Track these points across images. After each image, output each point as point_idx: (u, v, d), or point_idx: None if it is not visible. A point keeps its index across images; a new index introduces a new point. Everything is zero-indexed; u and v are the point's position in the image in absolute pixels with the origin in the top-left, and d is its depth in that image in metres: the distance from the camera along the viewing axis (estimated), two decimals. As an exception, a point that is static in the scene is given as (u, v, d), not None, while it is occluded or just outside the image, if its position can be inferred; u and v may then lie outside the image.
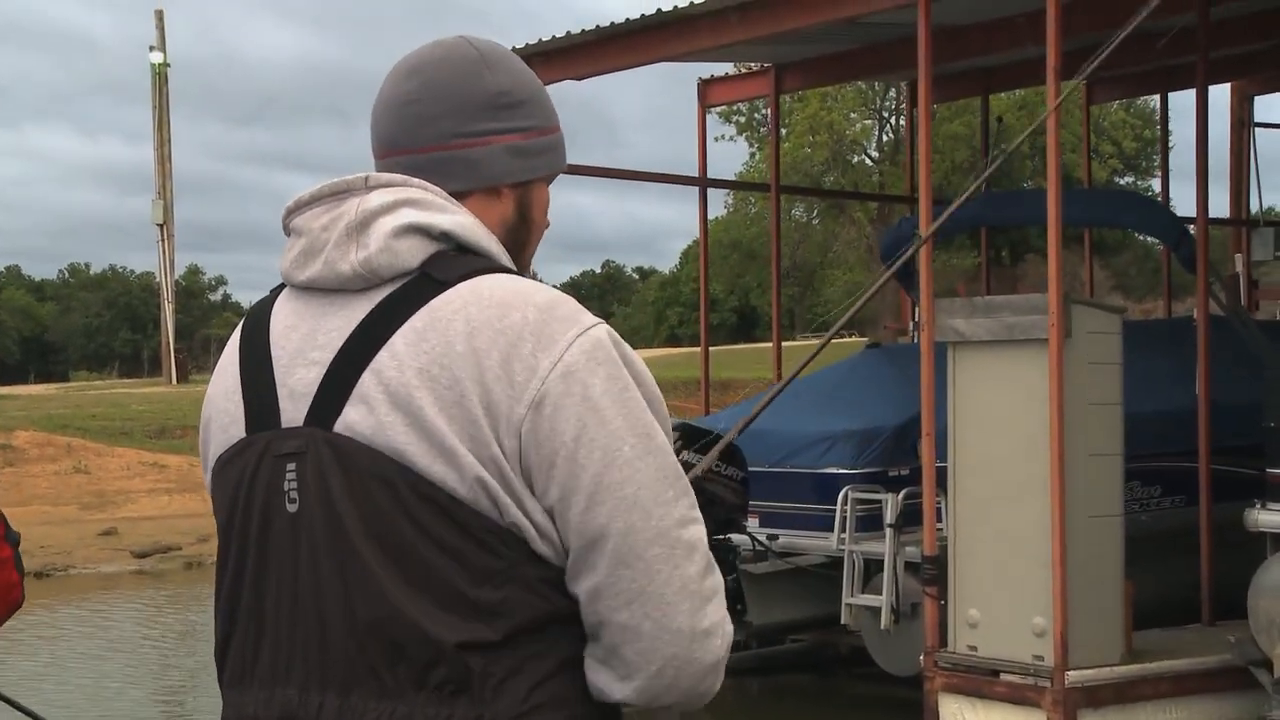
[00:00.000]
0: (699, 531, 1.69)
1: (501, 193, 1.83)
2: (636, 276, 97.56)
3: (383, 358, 1.66)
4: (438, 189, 1.77)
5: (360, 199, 1.74)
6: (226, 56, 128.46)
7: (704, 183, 14.02)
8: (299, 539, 1.68)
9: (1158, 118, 50.24)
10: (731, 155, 52.11)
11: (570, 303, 1.70)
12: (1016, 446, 8.89)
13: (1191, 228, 11.24)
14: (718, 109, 48.57)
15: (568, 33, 11.21)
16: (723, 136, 46.77)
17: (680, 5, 10.52)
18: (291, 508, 1.68)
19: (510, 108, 1.82)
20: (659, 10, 10.67)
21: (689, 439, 6.97)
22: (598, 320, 1.70)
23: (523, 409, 1.62)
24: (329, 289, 1.74)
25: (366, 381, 1.66)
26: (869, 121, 46.22)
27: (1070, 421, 8.62)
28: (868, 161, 46.34)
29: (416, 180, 1.76)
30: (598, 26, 11.05)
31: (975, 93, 15.44)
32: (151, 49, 40.20)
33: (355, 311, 1.71)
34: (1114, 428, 8.89)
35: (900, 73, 14.93)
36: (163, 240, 39.53)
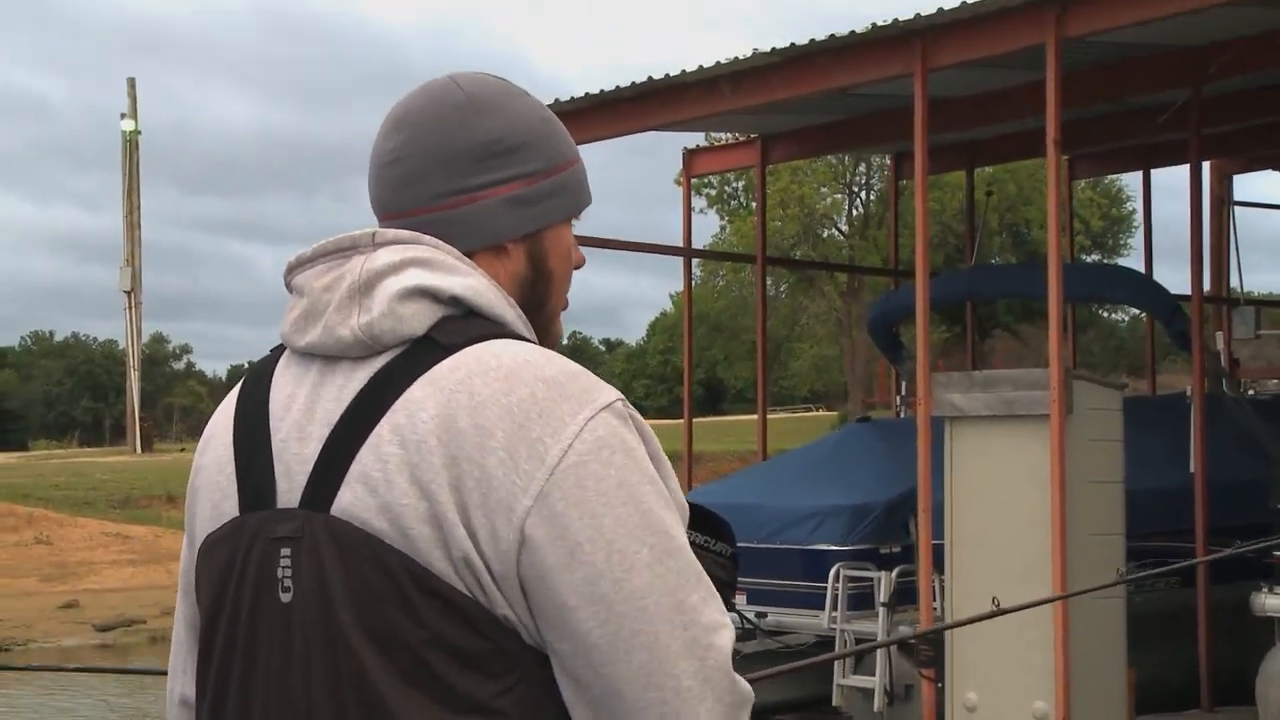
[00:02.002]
0: (729, 638, 1.52)
1: (507, 248, 1.66)
2: (603, 348, 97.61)
3: (381, 432, 1.50)
4: (450, 247, 1.61)
5: (366, 257, 1.59)
6: (183, 125, 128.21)
7: (688, 253, 13.90)
8: (292, 631, 1.53)
9: (1124, 196, 51.04)
10: (699, 228, 52.12)
11: (581, 377, 1.53)
12: (1016, 524, 8.71)
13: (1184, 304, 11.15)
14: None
15: (555, 100, 11.06)
16: (694, 209, 46.76)
17: (672, 74, 10.41)
18: (285, 597, 1.53)
19: (505, 154, 1.65)
20: (650, 78, 10.56)
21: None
22: (611, 396, 1.53)
23: (528, 500, 1.46)
24: (330, 355, 1.58)
25: (364, 459, 1.50)
26: (839, 196, 46.35)
27: (1071, 500, 8.45)
28: (838, 235, 46.45)
29: (428, 238, 1.61)
30: (586, 94, 10.93)
31: (960, 166, 15.39)
32: (123, 116, 40.01)
33: (355, 381, 1.55)
34: (1115, 506, 8.72)
35: (886, 144, 14.87)
36: (130, 307, 39.13)
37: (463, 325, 1.56)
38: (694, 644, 1.48)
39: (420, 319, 1.55)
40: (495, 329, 1.57)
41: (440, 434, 1.47)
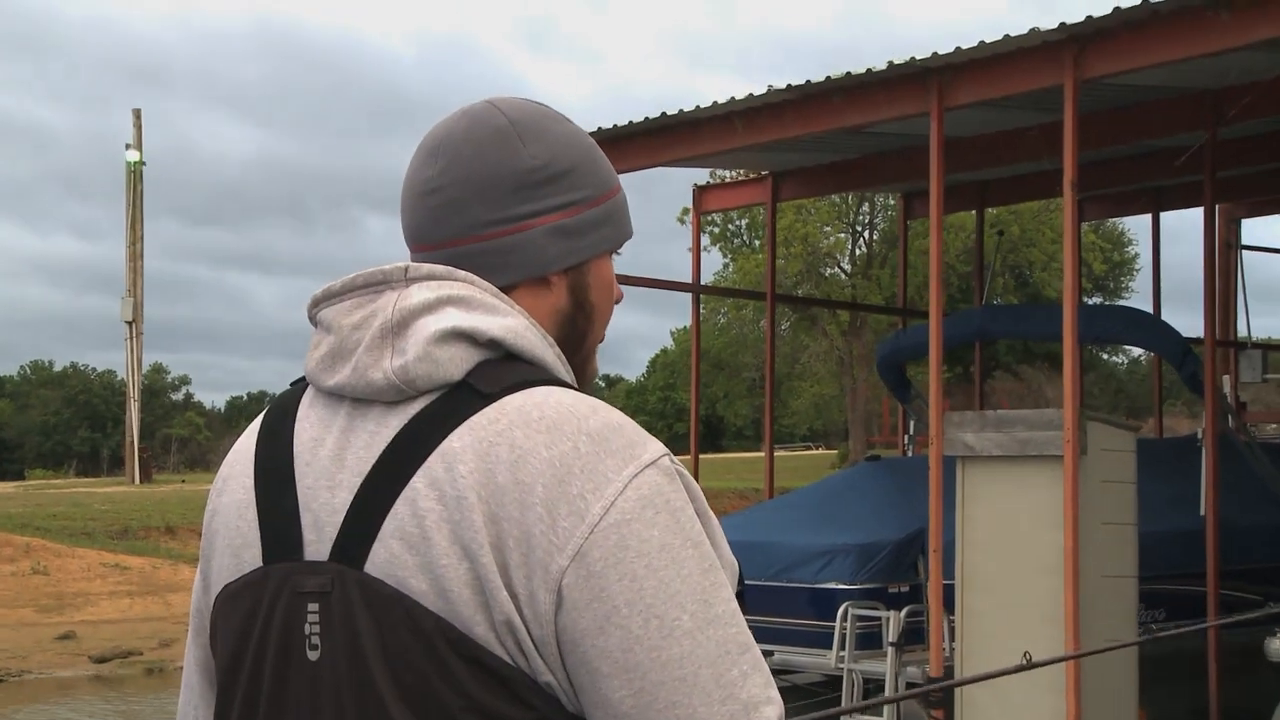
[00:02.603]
0: (772, 716, 1.41)
1: (550, 281, 1.58)
2: (603, 384, 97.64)
3: (417, 485, 1.42)
4: (487, 284, 1.53)
5: (399, 294, 1.50)
6: (180, 154, 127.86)
7: (698, 289, 13.86)
8: (321, 690, 1.44)
9: (1126, 240, 51.10)
10: (703, 265, 52.26)
11: (626, 430, 1.45)
12: (1027, 566, 8.65)
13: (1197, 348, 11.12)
14: (689, 219, 48.91)
15: (568, 134, 11.05)
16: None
17: (686, 109, 10.40)
18: (313, 655, 1.45)
19: (550, 182, 1.57)
20: (664, 114, 10.55)
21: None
22: (657, 452, 1.44)
23: (564, 560, 1.38)
24: (360, 397, 1.50)
25: (400, 514, 1.42)
26: (843, 235, 46.43)
27: (1084, 541, 8.40)
28: (841, 275, 46.50)
29: (463, 273, 1.53)
30: (599, 129, 10.91)
31: (970, 206, 15.39)
32: (128, 147, 40.03)
33: (387, 428, 1.47)
34: (1129, 549, 8.67)
35: (896, 184, 14.89)
36: (131, 338, 39.06)
37: (502, 370, 1.47)
38: None
39: (457, 364, 1.47)
40: (535, 374, 1.49)
41: (480, 489, 1.39)
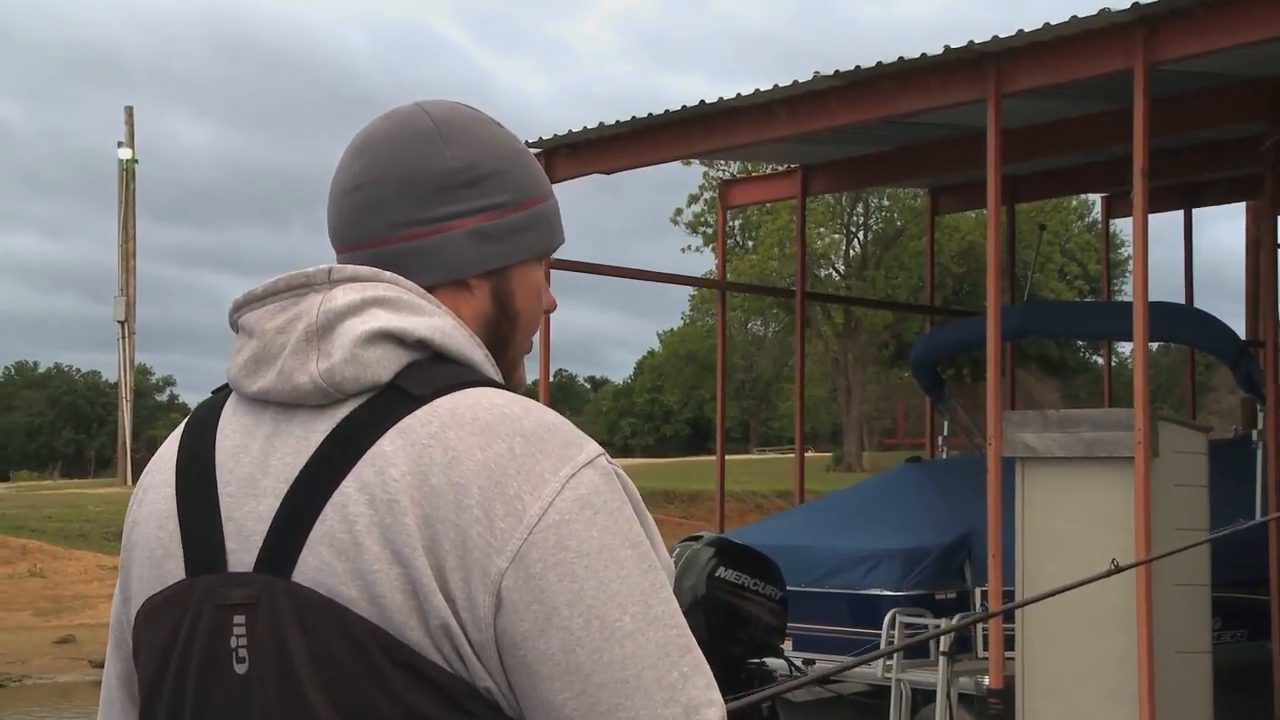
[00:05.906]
0: (715, 717, 1.40)
1: (470, 284, 1.57)
2: (589, 386, 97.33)
3: (347, 490, 1.40)
4: (413, 285, 1.52)
5: (322, 296, 1.48)
6: (144, 153, 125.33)
7: (723, 285, 13.53)
8: (249, 705, 1.42)
9: (1120, 241, 50.87)
10: (693, 266, 51.64)
11: (561, 430, 1.43)
12: (1094, 572, 8.27)
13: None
14: (684, 220, 48.60)
15: (600, 124, 10.68)
16: (689, 248, 46.74)
17: (726, 97, 10.02)
18: (240, 668, 1.42)
19: (470, 185, 1.56)
20: (702, 102, 10.16)
21: (724, 555, 6.36)
22: (593, 452, 1.43)
23: (503, 561, 1.36)
24: (285, 402, 1.47)
25: (329, 519, 1.40)
26: (837, 236, 46.16)
27: (1157, 548, 8.03)
28: (835, 276, 46.24)
29: (388, 274, 1.51)
30: (633, 118, 10.54)
31: (1000, 202, 14.99)
32: (120, 145, 39.55)
33: (315, 432, 1.45)
34: (1202, 555, 8.31)
35: (924, 178, 14.53)
36: (124, 338, 38.64)
37: (431, 371, 1.45)
38: None
39: (385, 365, 1.44)
40: (465, 374, 1.46)
41: (413, 492, 1.37)
